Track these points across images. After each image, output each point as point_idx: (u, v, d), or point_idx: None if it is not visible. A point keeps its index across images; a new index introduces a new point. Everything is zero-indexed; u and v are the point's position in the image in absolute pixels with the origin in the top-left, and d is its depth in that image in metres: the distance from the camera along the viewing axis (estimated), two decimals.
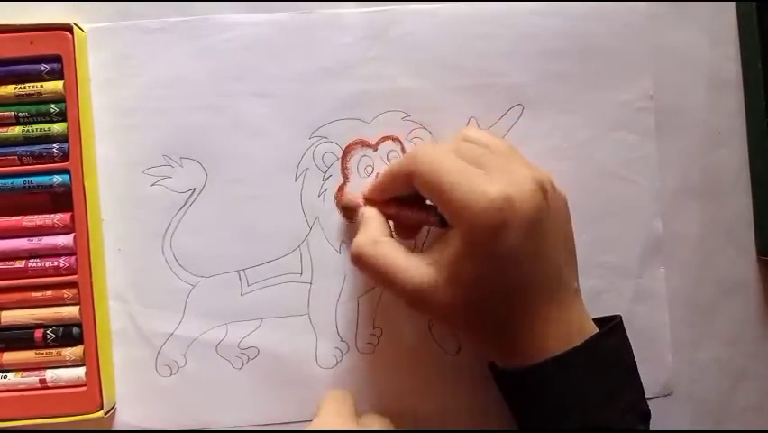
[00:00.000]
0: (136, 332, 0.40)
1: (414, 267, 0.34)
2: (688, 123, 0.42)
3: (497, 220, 0.31)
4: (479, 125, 0.41)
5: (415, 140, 0.40)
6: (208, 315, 0.40)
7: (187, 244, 0.40)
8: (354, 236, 0.36)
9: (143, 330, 0.40)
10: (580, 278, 0.36)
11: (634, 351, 0.36)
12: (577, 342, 0.33)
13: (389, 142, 0.40)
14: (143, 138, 0.40)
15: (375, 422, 0.37)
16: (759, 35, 0.40)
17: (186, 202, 0.40)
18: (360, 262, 0.35)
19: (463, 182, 0.32)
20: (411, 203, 0.37)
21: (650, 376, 0.40)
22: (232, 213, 0.40)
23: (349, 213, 0.39)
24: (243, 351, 0.40)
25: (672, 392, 0.41)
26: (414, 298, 0.34)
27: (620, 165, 0.41)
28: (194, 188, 0.40)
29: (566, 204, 0.36)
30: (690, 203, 0.41)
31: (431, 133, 0.41)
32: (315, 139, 0.40)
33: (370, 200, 0.38)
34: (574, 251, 0.36)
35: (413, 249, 0.36)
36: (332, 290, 0.40)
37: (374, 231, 0.36)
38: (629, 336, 0.36)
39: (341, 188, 0.40)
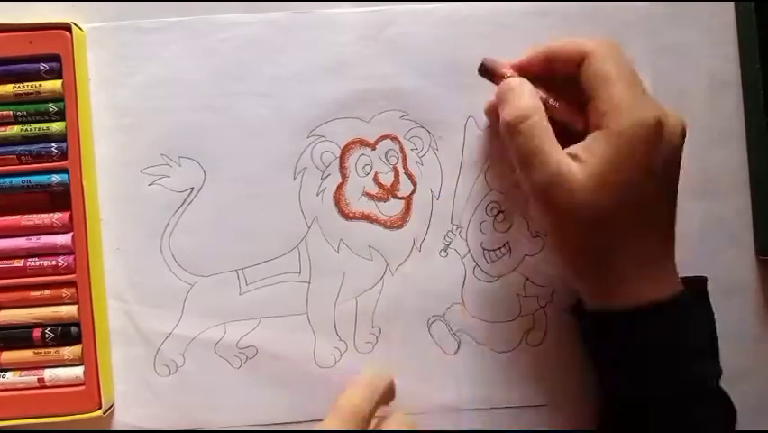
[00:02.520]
0: (135, 331, 0.40)
1: (561, 153, 0.33)
2: (687, 123, 0.41)
3: (654, 134, 0.33)
4: (477, 125, 0.40)
5: (413, 139, 0.40)
6: (207, 314, 0.40)
7: (186, 244, 0.40)
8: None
9: (142, 329, 0.40)
10: None
11: None
12: (671, 292, 0.34)
13: (388, 140, 0.40)
14: (142, 137, 0.40)
15: (398, 420, 0.36)
16: (758, 35, 0.40)
17: (184, 201, 0.40)
18: (516, 128, 0.34)
19: (635, 86, 0.33)
20: (560, 96, 0.36)
21: None
22: (230, 212, 0.40)
23: (488, 76, 0.37)
24: (242, 350, 0.40)
25: None
26: (549, 183, 0.33)
27: None
28: (192, 188, 0.40)
29: None
30: (690, 203, 0.41)
31: (429, 132, 0.40)
32: (314, 138, 0.40)
33: (520, 71, 0.37)
34: None
35: None
36: (330, 289, 0.40)
37: (536, 101, 0.34)
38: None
39: (339, 188, 0.40)
